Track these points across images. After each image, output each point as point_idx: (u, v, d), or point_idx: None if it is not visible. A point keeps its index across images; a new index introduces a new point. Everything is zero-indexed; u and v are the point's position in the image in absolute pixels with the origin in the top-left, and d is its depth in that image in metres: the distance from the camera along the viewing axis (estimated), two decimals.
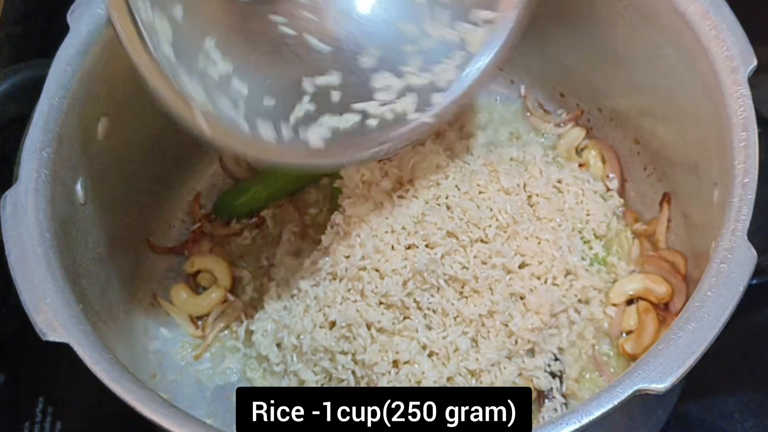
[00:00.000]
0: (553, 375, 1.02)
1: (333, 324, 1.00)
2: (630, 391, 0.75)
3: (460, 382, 0.97)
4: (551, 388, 1.01)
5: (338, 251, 1.03)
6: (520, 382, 1.00)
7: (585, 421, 0.75)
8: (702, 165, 0.98)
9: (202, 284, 1.15)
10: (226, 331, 1.12)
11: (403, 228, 1.02)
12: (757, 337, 1.12)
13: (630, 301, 1.07)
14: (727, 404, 1.07)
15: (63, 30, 0.99)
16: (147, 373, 1.07)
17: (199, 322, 1.13)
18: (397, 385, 0.97)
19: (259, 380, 1.07)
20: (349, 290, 1.01)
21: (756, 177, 0.86)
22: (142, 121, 1.08)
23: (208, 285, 1.14)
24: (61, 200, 0.94)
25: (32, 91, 0.99)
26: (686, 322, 0.79)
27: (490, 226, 1.03)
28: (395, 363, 0.98)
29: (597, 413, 0.75)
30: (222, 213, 1.19)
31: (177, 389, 1.08)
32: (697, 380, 0.95)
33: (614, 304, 1.06)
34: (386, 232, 1.02)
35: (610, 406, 0.75)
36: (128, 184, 1.08)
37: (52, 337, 0.83)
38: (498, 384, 0.98)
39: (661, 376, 0.76)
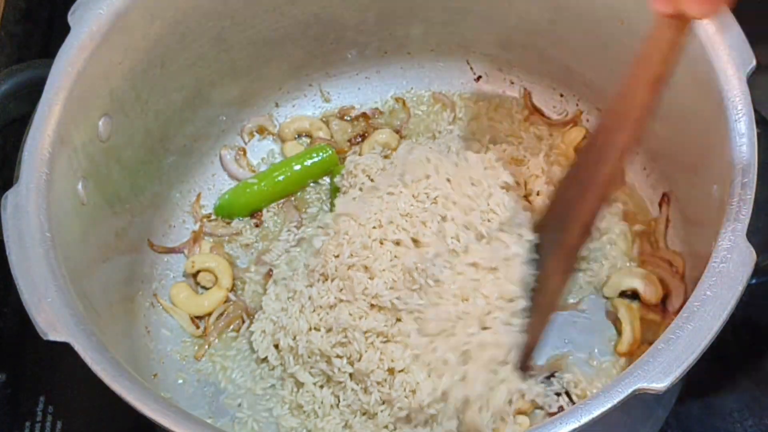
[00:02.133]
0: (557, 393, 1.01)
1: (330, 329, 1.00)
2: (629, 391, 0.75)
3: (456, 395, 0.95)
4: (560, 406, 1.00)
5: (328, 250, 1.03)
6: (516, 398, 0.98)
7: (584, 420, 0.74)
8: (702, 165, 0.98)
9: (203, 284, 1.15)
10: (227, 331, 1.12)
11: (391, 222, 1.02)
12: (757, 337, 1.12)
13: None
14: (727, 404, 1.07)
15: (63, 30, 0.98)
16: (148, 373, 1.07)
17: (200, 322, 1.13)
18: (393, 393, 0.96)
19: (260, 384, 1.07)
20: (341, 290, 1.00)
21: (756, 177, 0.86)
22: (142, 121, 1.08)
23: (209, 285, 1.14)
24: (62, 200, 0.94)
25: (33, 91, 0.99)
26: (686, 321, 0.79)
27: (484, 220, 1.02)
28: (390, 371, 0.97)
29: (596, 412, 0.75)
30: (222, 213, 1.19)
31: (178, 389, 1.08)
32: (696, 380, 0.95)
33: (608, 298, 1.07)
34: (374, 227, 1.02)
35: (609, 405, 0.75)
36: (128, 184, 1.08)
37: (53, 336, 0.83)
38: (494, 401, 0.96)
39: (660, 375, 0.76)
